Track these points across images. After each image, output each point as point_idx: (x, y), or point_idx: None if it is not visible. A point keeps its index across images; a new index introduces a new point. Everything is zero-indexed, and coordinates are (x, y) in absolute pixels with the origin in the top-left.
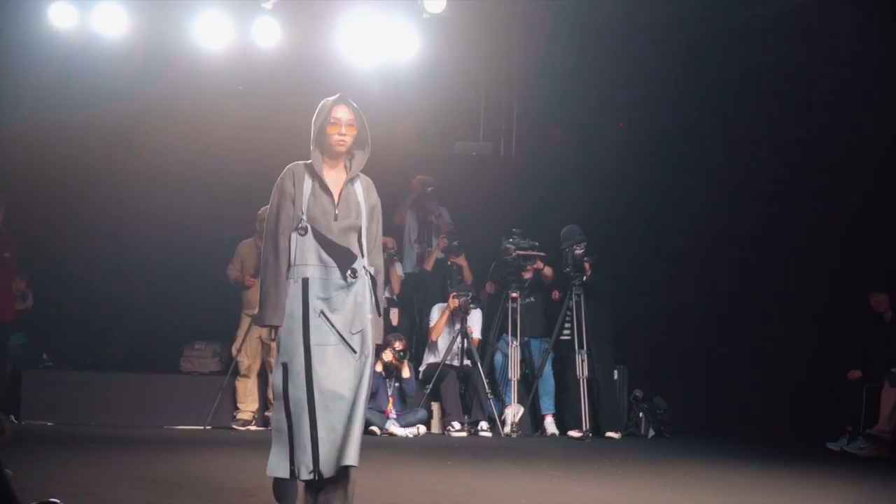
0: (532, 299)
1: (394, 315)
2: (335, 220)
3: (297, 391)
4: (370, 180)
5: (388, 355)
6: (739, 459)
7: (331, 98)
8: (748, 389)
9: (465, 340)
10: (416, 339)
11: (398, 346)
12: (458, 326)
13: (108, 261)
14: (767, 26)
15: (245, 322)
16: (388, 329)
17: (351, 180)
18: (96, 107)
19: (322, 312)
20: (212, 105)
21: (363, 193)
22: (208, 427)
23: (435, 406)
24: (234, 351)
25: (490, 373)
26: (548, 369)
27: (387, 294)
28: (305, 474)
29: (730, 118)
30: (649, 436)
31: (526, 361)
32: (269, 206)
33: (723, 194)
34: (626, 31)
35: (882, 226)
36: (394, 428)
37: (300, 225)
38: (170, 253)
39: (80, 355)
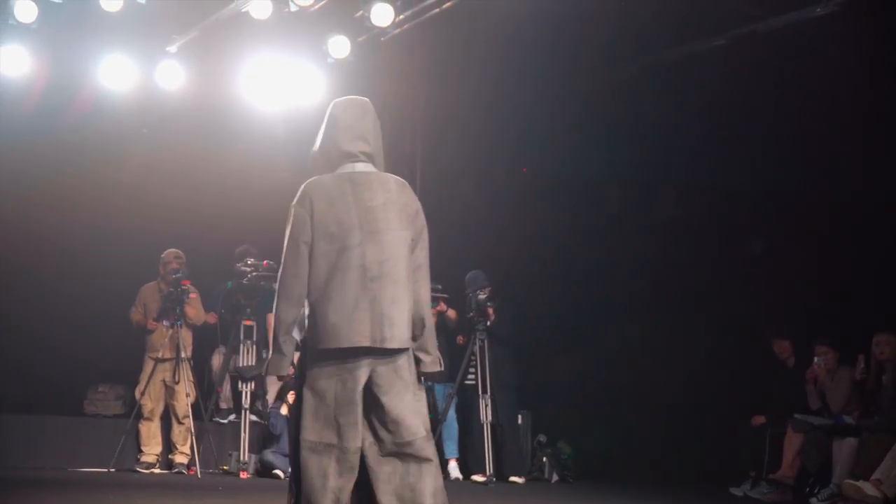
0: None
1: None
2: None
3: None
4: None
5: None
6: None
7: None
8: (652, 435)
9: None
10: None
11: None
12: None
13: (9, 302)
14: (665, 74)
15: (148, 365)
16: None
17: None
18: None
19: None
20: (115, 147)
21: None
22: (112, 469)
23: None
24: (137, 394)
25: None
26: (451, 414)
27: None
28: None
29: (632, 163)
30: (553, 480)
31: (430, 406)
32: None
33: (625, 239)
34: (528, 79)
35: (785, 272)
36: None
37: None
38: (73, 295)
39: None
